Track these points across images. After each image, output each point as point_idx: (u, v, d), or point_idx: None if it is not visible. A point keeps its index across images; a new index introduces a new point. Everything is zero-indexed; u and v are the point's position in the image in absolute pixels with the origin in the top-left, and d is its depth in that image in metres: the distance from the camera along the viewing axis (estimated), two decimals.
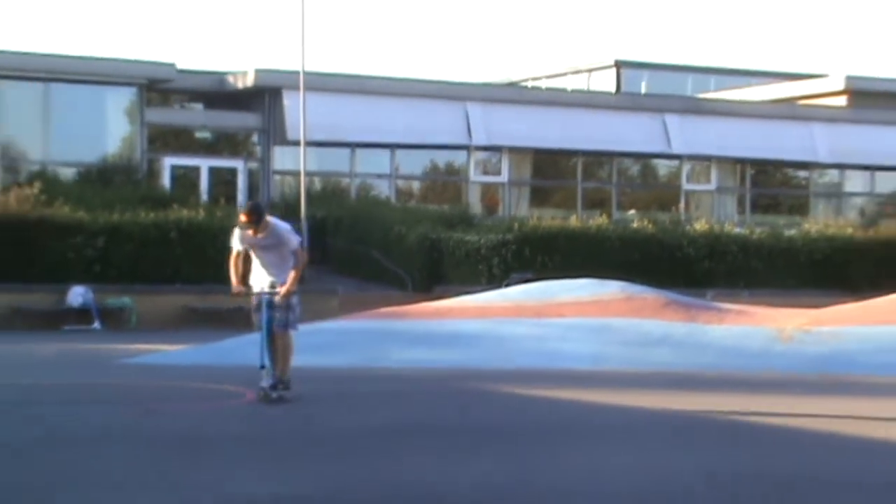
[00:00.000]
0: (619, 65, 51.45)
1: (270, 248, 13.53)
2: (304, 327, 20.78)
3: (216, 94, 38.27)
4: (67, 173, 35.10)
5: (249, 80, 37.09)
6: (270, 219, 13.68)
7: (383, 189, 38.87)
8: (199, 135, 38.86)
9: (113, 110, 36.10)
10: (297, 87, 32.16)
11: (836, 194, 44.22)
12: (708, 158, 41.93)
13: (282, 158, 37.24)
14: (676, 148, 40.92)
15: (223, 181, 36.86)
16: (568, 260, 30.60)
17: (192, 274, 28.34)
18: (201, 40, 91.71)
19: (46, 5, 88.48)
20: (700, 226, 35.38)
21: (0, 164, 34.86)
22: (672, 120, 40.91)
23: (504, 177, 39.91)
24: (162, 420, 12.41)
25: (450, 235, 32.22)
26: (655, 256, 32.51)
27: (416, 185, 40.51)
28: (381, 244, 32.77)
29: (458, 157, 39.78)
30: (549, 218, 35.03)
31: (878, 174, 43.97)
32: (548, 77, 52.83)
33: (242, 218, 13.43)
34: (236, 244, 13.60)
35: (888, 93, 44.78)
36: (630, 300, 20.44)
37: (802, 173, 44.04)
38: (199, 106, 39.74)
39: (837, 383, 16.50)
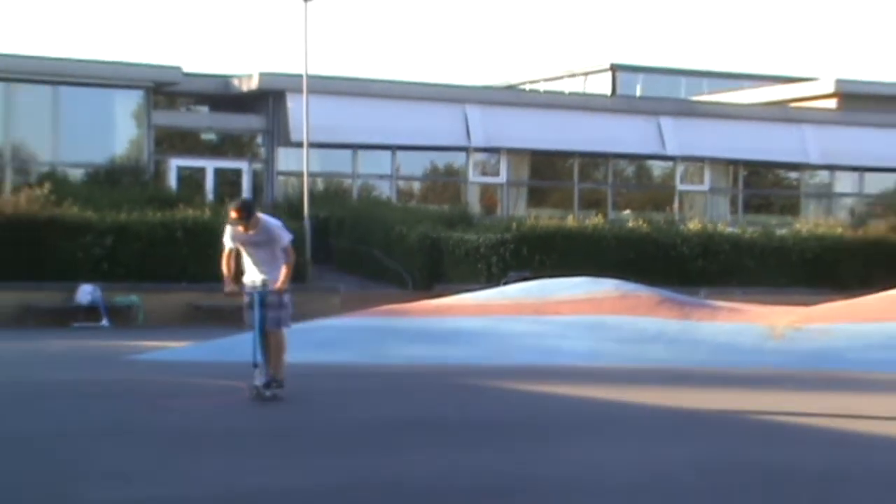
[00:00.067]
0: (615, 68, 51.45)
1: (261, 245, 13.22)
2: (307, 324, 20.89)
3: (221, 96, 38.26)
4: (76, 174, 35.12)
5: (254, 84, 37.08)
6: (261, 215, 13.41)
7: (384, 189, 38.88)
8: (204, 136, 38.85)
9: (120, 113, 36.11)
10: (300, 90, 32.17)
11: (826, 195, 44.23)
12: (701, 160, 41.94)
13: (285, 159, 37.23)
14: (670, 149, 40.93)
15: (228, 182, 36.86)
16: (565, 259, 30.62)
17: (197, 272, 28.31)
18: (207, 44, 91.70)
19: (56, 11, 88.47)
20: (693, 225, 35.41)
21: (11, 166, 34.88)
22: (666, 122, 40.92)
23: (502, 177, 39.91)
24: (169, 415, 12.41)
25: (449, 235, 32.23)
26: (650, 255, 32.53)
27: (416, 186, 40.51)
28: (383, 243, 32.77)
29: (458, 159, 39.79)
30: (546, 218, 35.06)
31: (868, 175, 44.00)
32: (545, 80, 52.84)
33: (232, 214, 13.12)
34: (228, 242, 13.33)
35: (877, 95, 44.81)
36: (625, 298, 20.45)
37: (793, 174, 44.05)
38: (204, 108, 39.73)
39: (828, 379, 16.51)
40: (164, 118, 37.18)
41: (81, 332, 25.90)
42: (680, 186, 42.03)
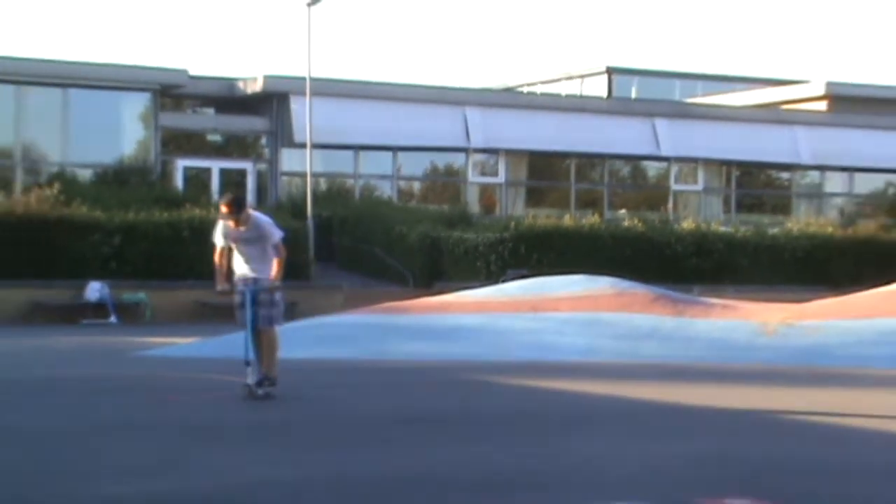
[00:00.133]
0: (611, 71, 51.41)
1: (253, 241, 12.91)
2: (310, 321, 20.91)
3: (226, 98, 38.23)
4: (85, 175, 35.10)
5: (258, 86, 37.05)
6: (252, 212, 13.13)
7: (386, 189, 38.86)
8: (210, 138, 38.81)
9: (128, 115, 36.08)
10: (303, 92, 32.15)
11: (817, 195, 44.20)
12: (695, 160, 41.91)
13: (289, 160, 37.19)
14: (665, 150, 40.90)
15: (233, 182, 36.81)
16: (562, 257, 30.60)
17: (203, 270, 28.15)
18: (212, 48, 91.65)
19: (66, 16, 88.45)
20: (687, 225, 35.39)
21: (21, 166, 34.87)
22: (661, 124, 40.89)
23: (501, 178, 39.88)
24: (176, 409, 12.39)
25: (449, 234, 32.21)
26: (645, 254, 32.51)
27: (416, 186, 40.48)
28: (384, 242, 32.75)
29: (457, 159, 39.76)
30: (543, 217, 35.05)
31: (857, 175, 43.98)
32: (542, 83, 52.78)
33: (223, 209, 12.85)
34: (219, 240, 13.06)
35: (867, 98, 44.79)
36: (621, 295, 20.43)
37: (785, 175, 44.02)
38: (210, 110, 39.69)
39: (820, 375, 16.50)
40: (171, 120, 37.16)
41: (90, 328, 25.89)
42: (674, 186, 42.00)
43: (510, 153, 39.71)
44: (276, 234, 12.96)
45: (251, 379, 12.83)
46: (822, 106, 44.71)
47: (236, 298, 13.15)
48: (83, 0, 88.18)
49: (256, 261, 12.96)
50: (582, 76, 52.05)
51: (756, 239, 34.85)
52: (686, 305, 20.50)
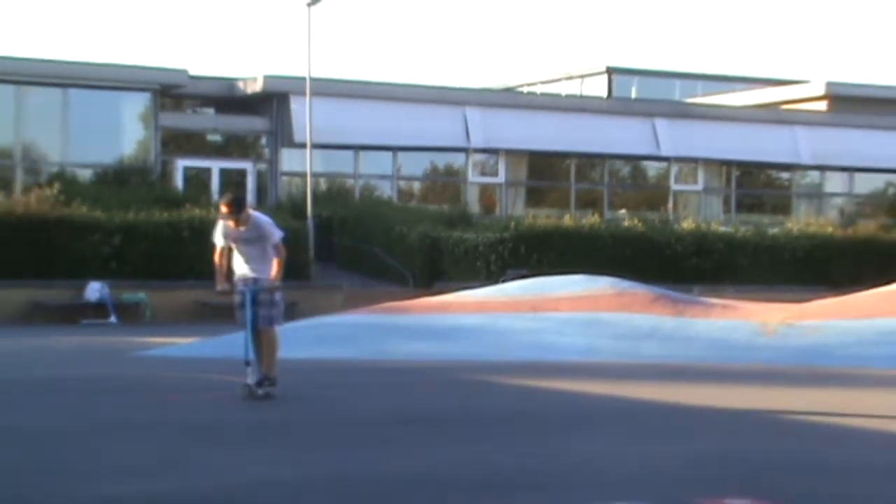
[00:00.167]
0: (611, 71, 51.39)
1: (252, 241, 12.86)
2: (311, 321, 20.90)
3: (226, 99, 38.22)
4: (85, 175, 35.08)
5: (258, 86, 37.04)
6: (252, 212, 13.08)
7: (386, 189, 38.84)
8: (210, 138, 38.80)
9: (128, 115, 36.07)
10: (303, 92, 32.14)
11: (816, 195, 44.19)
12: (695, 160, 41.89)
13: (289, 160, 37.17)
14: (665, 150, 40.89)
15: (233, 182, 36.79)
16: (562, 257, 30.59)
17: (203, 270, 28.13)
18: (212, 48, 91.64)
19: (66, 16, 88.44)
20: (687, 225, 35.38)
21: (21, 166, 34.86)
22: (661, 124, 40.87)
23: (501, 178, 39.87)
24: (176, 409, 12.37)
25: (449, 234, 32.19)
26: (645, 254, 32.49)
27: (416, 186, 40.46)
28: (384, 242, 32.74)
29: (457, 159, 39.74)
30: (543, 217, 35.03)
31: (857, 175, 43.97)
32: (542, 83, 52.76)
33: (223, 209, 12.80)
34: (219, 240, 13.01)
35: (866, 98, 44.77)
36: (621, 295, 20.41)
37: (785, 175, 44.01)
38: (210, 110, 39.68)
39: (819, 375, 16.49)
40: (171, 120, 37.15)
41: (90, 328, 25.88)
42: (674, 186, 41.99)
43: (510, 153, 39.69)
44: (276, 234, 12.91)
45: (251, 379, 12.79)
46: (821, 106, 44.69)
47: (236, 298, 13.11)
48: (83, 0, 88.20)
49: (256, 261, 12.91)
50: (582, 76, 52.03)
51: (756, 239, 34.83)
52: (686, 305, 20.49)
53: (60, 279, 27.84)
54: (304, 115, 32.40)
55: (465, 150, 39.06)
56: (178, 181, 36.49)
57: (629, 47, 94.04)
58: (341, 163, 37.93)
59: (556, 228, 32.52)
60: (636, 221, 34.76)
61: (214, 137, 38.84)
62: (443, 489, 8.22)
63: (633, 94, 49.46)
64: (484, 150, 39.38)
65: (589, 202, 40.98)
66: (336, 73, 59.56)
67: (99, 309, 27.57)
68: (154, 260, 28.73)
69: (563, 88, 50.74)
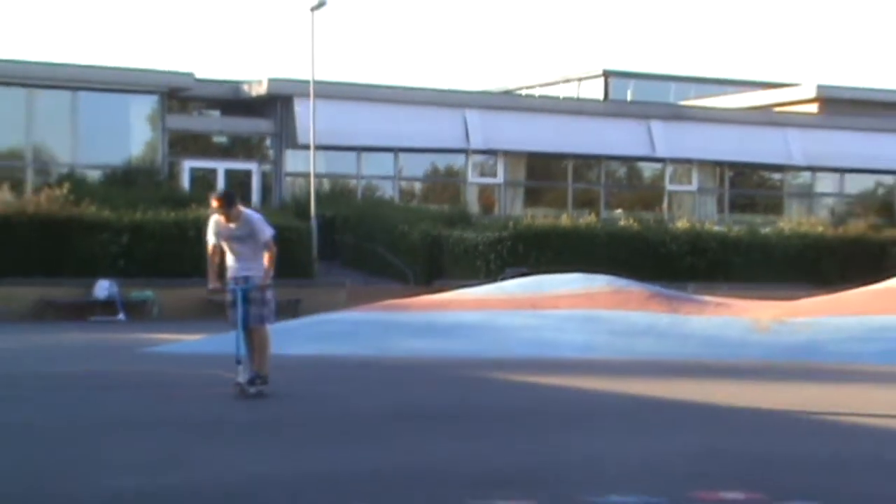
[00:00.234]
0: (607, 74, 51.32)
1: (244, 238, 12.66)
2: (314, 318, 20.83)
3: (232, 101, 38.17)
4: (94, 175, 35.03)
5: (263, 89, 36.98)
6: (243, 209, 12.87)
7: (387, 190, 38.79)
8: (216, 139, 38.75)
9: (136, 117, 36.01)
10: (307, 95, 32.09)
11: (808, 195, 44.12)
12: (689, 161, 41.83)
13: (293, 161, 37.13)
14: (660, 152, 40.83)
15: (238, 182, 36.74)
16: (559, 256, 30.51)
17: None
18: (218, 52, 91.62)
19: (75, 20, 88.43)
20: (682, 224, 35.34)
21: (32, 167, 34.80)
22: (656, 126, 40.81)
23: (500, 178, 39.81)
24: (180, 405, 12.30)
25: (449, 233, 32.15)
26: (641, 253, 32.44)
27: (417, 187, 40.41)
28: (386, 241, 32.69)
29: (457, 161, 39.68)
30: (541, 217, 35.02)
31: (848, 176, 43.90)
32: (540, 86, 52.68)
33: (214, 203, 12.59)
34: (212, 238, 12.80)
35: (857, 100, 44.71)
36: (617, 293, 20.34)
37: (777, 175, 43.94)
38: (216, 112, 39.63)
39: (811, 371, 16.42)
40: (178, 122, 37.10)
41: (98, 325, 25.82)
42: (669, 187, 41.92)
43: (509, 154, 39.63)
44: (267, 232, 12.75)
45: (242, 377, 12.60)
46: (813, 108, 44.63)
47: (228, 297, 12.95)
48: (92, 5, 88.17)
49: (248, 259, 12.74)
50: (579, 79, 51.95)
51: (749, 238, 34.78)
52: (681, 303, 20.42)
53: (70, 277, 27.80)
54: (308, 118, 32.35)
55: (464, 151, 39.00)
56: (185, 182, 36.45)
57: (625, 51, 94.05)
58: (344, 164, 37.88)
59: (553, 228, 32.47)
60: (632, 221, 34.71)
61: (220, 139, 38.79)
62: (442, 485, 8.13)
63: (629, 97, 49.38)
64: (483, 152, 39.32)
65: (586, 202, 40.92)
66: (339, 76, 59.61)
67: (107, 306, 27.52)
68: (161, 258, 28.67)
69: (561, 91, 50.66)
